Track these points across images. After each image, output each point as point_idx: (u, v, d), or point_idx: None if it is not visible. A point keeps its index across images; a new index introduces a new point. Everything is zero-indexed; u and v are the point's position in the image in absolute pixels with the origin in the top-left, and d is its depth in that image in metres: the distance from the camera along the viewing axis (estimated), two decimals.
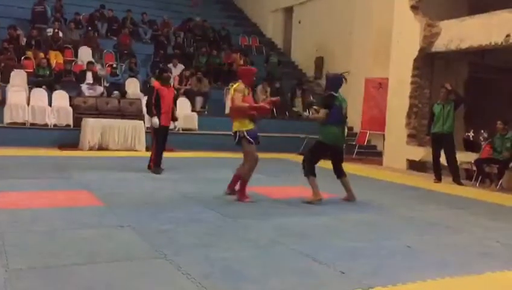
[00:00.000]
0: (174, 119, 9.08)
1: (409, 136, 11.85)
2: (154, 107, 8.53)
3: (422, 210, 6.76)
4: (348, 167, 11.52)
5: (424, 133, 11.14)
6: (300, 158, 12.51)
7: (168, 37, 16.99)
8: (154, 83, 9.61)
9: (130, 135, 11.74)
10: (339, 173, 6.99)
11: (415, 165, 11.62)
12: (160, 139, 8.68)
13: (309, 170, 6.68)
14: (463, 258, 4.56)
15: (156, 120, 8.51)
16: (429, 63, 11.75)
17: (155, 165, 8.62)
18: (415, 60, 11.65)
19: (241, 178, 6.55)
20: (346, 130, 7.24)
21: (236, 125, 6.45)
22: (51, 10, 16.10)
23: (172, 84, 9.93)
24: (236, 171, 6.81)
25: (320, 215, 6.01)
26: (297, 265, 4.05)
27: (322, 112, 6.68)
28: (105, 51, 15.60)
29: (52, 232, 4.62)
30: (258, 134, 6.53)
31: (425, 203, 7.36)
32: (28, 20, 15.60)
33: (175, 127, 8.89)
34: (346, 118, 7.03)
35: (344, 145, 7.12)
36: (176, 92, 9.50)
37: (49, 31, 15.02)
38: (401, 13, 12.08)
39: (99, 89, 13.33)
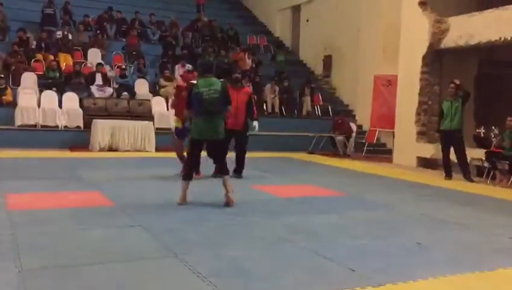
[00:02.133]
0: (253, 119, 8.50)
1: (419, 133, 11.78)
2: None
3: (432, 207, 6.73)
4: (357, 165, 11.66)
5: (434, 130, 11.08)
6: (310, 157, 12.67)
7: (176, 37, 17.05)
8: None
9: (140, 135, 11.82)
10: (219, 170, 6.44)
11: (425, 163, 11.55)
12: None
13: (185, 173, 6.29)
14: (474, 255, 4.54)
15: None
16: (438, 60, 11.68)
17: (236, 171, 8.39)
18: (424, 57, 11.59)
19: None
20: (216, 120, 6.06)
21: None
22: (60, 12, 16.22)
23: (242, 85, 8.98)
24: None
25: (329, 213, 6.01)
26: (306, 263, 4.05)
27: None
28: (114, 52, 15.69)
29: (64, 232, 4.67)
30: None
31: (435, 201, 7.32)
32: (38, 23, 15.72)
33: (254, 128, 8.36)
34: (214, 105, 5.96)
35: (216, 138, 6.09)
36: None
37: (59, 34, 15.13)
38: (409, 10, 12.02)
39: (109, 90, 13.43)
